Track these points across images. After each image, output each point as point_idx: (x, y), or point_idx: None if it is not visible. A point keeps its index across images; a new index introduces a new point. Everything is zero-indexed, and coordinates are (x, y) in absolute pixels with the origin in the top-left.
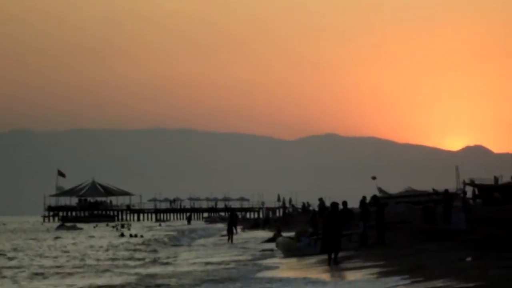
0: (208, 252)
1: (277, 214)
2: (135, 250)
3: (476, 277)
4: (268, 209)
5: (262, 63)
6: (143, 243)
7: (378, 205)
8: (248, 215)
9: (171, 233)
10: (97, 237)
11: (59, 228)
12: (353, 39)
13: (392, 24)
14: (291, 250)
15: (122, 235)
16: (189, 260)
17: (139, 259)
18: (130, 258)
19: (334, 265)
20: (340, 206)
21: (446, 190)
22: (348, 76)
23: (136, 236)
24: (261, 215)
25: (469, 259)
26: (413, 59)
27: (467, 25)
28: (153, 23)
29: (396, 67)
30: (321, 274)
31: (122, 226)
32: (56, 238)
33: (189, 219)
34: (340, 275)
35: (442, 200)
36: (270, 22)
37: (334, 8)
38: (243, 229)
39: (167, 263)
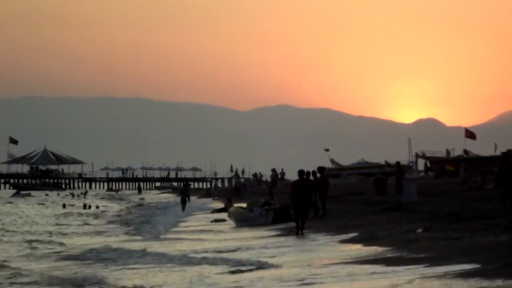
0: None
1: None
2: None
3: (426, 248)
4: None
5: (217, 32)
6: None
7: (322, 177)
8: (201, 185)
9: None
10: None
11: (14, 195)
12: (308, 10)
13: None
14: (243, 220)
15: (86, 206)
16: None
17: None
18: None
19: (301, 233)
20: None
21: (398, 162)
22: (302, 47)
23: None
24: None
25: (419, 230)
26: (368, 31)
27: None
28: None
29: (351, 39)
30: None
31: (79, 195)
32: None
33: (139, 189)
34: (297, 242)
35: (394, 172)
36: None
37: None
38: (199, 198)
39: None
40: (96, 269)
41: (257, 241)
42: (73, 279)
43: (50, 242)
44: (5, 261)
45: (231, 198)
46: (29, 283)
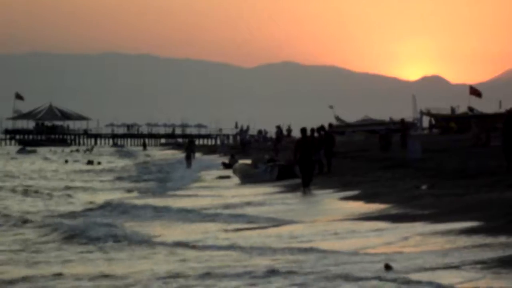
0: None
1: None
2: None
3: (430, 205)
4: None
5: None
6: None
7: (326, 134)
8: (206, 141)
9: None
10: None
11: (20, 151)
12: None
13: None
14: (248, 177)
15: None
16: None
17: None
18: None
19: (307, 189)
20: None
21: (402, 120)
22: (308, 3)
23: (97, 163)
24: (218, 142)
25: (424, 187)
26: None
27: None
28: None
29: None
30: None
31: (85, 151)
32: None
33: (144, 145)
34: (304, 199)
35: (399, 129)
36: None
37: None
38: (202, 154)
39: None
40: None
41: (263, 197)
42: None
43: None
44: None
45: (235, 154)
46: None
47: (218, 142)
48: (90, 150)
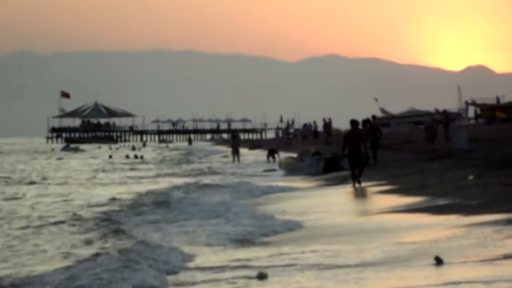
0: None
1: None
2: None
3: (478, 195)
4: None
5: None
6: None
7: (372, 126)
8: (251, 135)
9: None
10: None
11: (65, 149)
12: None
13: None
14: (293, 170)
15: (127, 156)
16: None
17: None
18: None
19: (358, 184)
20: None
21: (444, 111)
22: None
23: (140, 157)
24: (263, 136)
25: (471, 177)
26: None
27: None
28: None
29: None
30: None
31: (133, 148)
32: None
33: (189, 140)
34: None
35: (442, 120)
36: None
37: None
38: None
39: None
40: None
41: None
42: None
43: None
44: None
45: (277, 149)
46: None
47: (265, 136)
48: (143, 145)
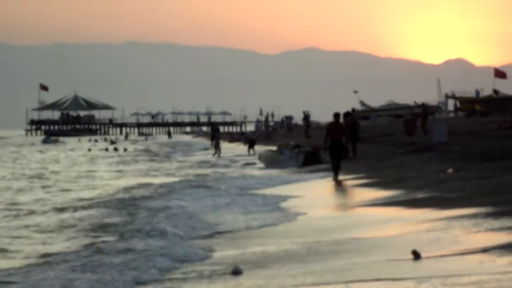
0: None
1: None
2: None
3: (457, 188)
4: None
5: None
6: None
7: (352, 118)
8: (231, 128)
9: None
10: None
11: (45, 141)
12: None
13: None
14: (273, 163)
15: (107, 149)
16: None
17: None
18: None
19: (336, 177)
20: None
21: (423, 104)
22: None
23: (124, 150)
24: (243, 129)
25: (450, 170)
26: None
27: None
28: None
29: None
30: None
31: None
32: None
33: (169, 133)
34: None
35: (420, 113)
36: None
37: None
38: (229, 141)
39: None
40: None
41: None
42: None
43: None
44: None
45: (254, 140)
46: None
47: (244, 129)
48: (126, 137)
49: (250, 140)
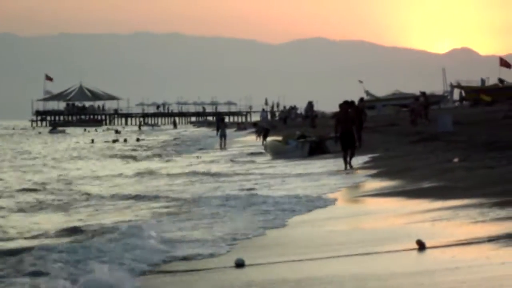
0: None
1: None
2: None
3: (462, 178)
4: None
5: None
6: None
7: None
8: (236, 118)
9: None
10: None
11: (52, 131)
12: None
13: None
14: (279, 153)
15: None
16: None
17: None
18: None
19: (350, 167)
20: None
21: (424, 93)
22: None
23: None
24: (248, 119)
25: (456, 160)
26: None
27: None
28: None
29: None
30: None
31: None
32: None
33: (174, 124)
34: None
35: (422, 103)
36: None
37: None
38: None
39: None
40: None
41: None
42: None
43: None
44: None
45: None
46: None
47: (250, 119)
48: (139, 127)
49: (265, 130)
